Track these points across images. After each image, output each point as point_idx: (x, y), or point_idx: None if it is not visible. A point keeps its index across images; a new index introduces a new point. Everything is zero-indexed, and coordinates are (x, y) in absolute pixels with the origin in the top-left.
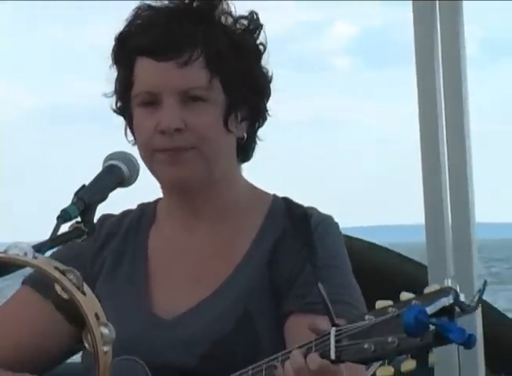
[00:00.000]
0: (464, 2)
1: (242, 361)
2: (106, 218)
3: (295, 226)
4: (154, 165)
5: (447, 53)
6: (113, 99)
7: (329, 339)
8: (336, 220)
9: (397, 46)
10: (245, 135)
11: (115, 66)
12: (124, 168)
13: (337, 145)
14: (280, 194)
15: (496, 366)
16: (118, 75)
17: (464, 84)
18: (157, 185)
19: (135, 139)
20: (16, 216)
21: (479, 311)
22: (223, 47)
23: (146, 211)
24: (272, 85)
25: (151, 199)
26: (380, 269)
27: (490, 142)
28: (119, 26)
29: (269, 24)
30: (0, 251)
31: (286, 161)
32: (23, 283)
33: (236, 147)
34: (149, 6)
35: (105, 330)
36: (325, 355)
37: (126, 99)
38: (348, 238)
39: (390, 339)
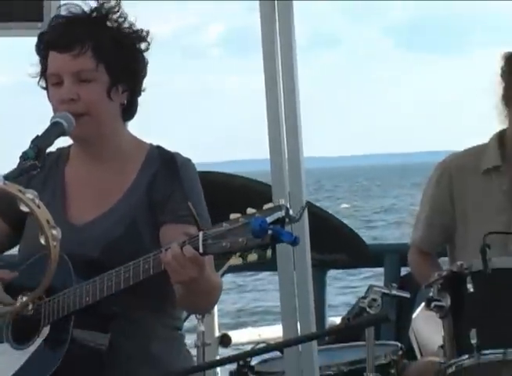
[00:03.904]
0: (294, 3)
1: (131, 255)
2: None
3: (166, 165)
4: None
5: (284, 43)
6: (38, 79)
7: (198, 239)
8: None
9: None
10: (125, 102)
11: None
12: (64, 123)
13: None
14: None
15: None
16: (40, 62)
17: (295, 65)
18: None
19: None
20: None
21: (306, 218)
22: (106, 43)
23: (62, 153)
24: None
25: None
26: (235, 190)
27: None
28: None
29: (156, 26)
30: None
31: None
32: None
33: (120, 111)
34: (63, 16)
35: (54, 231)
36: (196, 248)
37: (45, 79)
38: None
39: (240, 239)
